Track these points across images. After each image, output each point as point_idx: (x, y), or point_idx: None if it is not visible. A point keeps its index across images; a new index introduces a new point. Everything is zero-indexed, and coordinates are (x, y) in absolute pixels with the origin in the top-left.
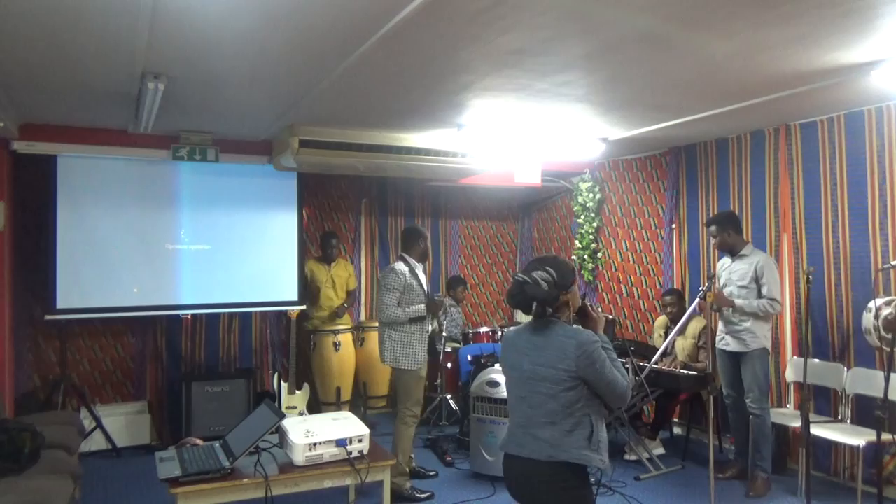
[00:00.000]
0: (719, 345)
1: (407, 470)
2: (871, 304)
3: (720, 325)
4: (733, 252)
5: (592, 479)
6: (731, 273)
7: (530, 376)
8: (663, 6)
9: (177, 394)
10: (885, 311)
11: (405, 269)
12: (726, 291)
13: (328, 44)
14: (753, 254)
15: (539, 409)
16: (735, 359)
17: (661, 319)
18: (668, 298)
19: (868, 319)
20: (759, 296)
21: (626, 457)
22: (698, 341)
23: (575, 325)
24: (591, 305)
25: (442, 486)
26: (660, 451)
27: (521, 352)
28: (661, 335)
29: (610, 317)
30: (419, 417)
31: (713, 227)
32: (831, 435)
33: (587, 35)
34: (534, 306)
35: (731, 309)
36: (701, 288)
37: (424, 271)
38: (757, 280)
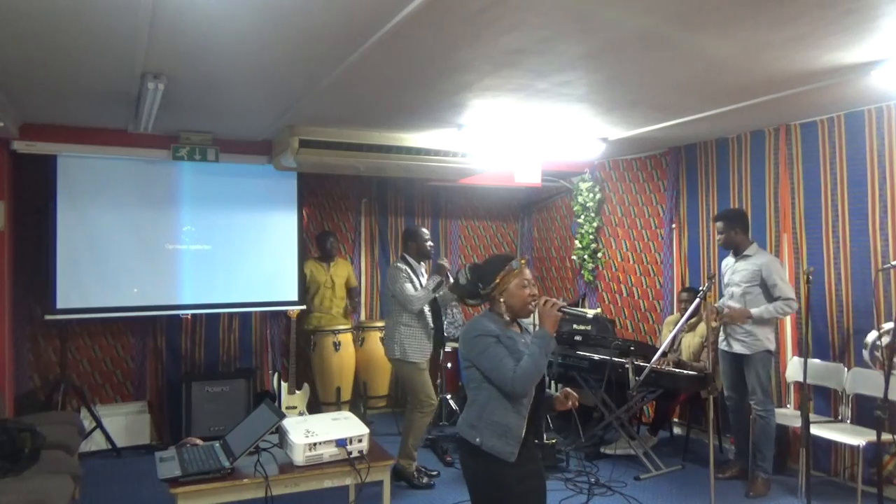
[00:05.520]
0: (721, 346)
1: (415, 454)
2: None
3: (723, 327)
4: (737, 251)
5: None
6: (733, 273)
7: None
8: (663, 6)
9: (177, 394)
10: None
11: (405, 266)
12: (728, 291)
13: (328, 44)
14: (758, 254)
15: None
16: (737, 360)
17: (673, 317)
18: (683, 295)
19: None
20: (769, 298)
21: (604, 450)
22: (705, 341)
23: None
24: (545, 300)
25: (442, 486)
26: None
27: None
28: (670, 331)
29: (564, 306)
30: (435, 408)
31: (720, 224)
32: (831, 435)
33: (587, 35)
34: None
35: (761, 322)
36: (701, 288)
37: (425, 271)
38: (764, 283)
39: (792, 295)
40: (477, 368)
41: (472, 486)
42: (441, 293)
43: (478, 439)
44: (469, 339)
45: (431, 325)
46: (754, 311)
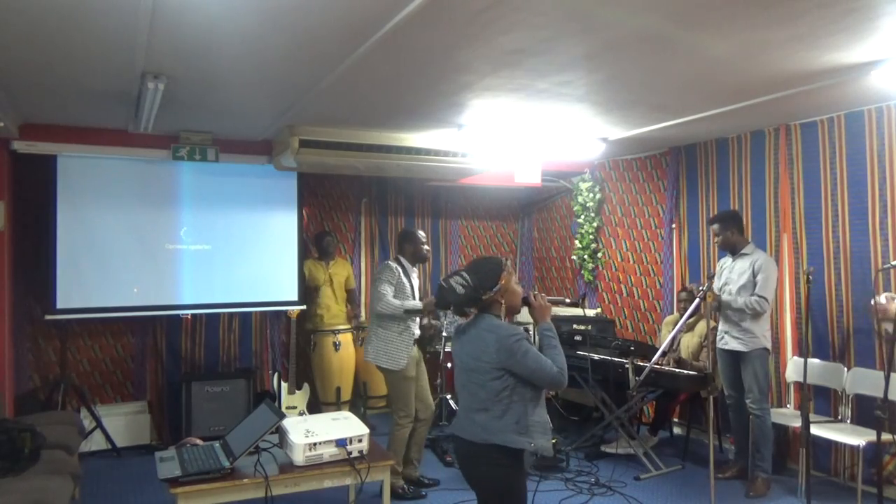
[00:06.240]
0: (719, 344)
1: (399, 470)
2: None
3: (721, 325)
4: (734, 251)
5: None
6: (730, 272)
7: (465, 367)
8: (663, 6)
9: (177, 394)
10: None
11: (398, 267)
12: (725, 290)
13: (328, 44)
14: (754, 253)
15: (474, 397)
16: (735, 358)
17: (672, 317)
18: (682, 295)
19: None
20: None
21: (605, 448)
22: (704, 340)
23: (501, 317)
24: (534, 294)
25: (441, 487)
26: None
27: (462, 343)
28: (668, 332)
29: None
30: (413, 418)
31: (716, 226)
32: (831, 435)
33: (587, 35)
34: (451, 308)
35: (728, 308)
36: (701, 288)
37: (417, 275)
38: (754, 277)
39: (767, 296)
40: (512, 374)
41: (507, 490)
42: (413, 320)
43: (532, 444)
44: (508, 344)
45: (416, 333)
46: (725, 296)
